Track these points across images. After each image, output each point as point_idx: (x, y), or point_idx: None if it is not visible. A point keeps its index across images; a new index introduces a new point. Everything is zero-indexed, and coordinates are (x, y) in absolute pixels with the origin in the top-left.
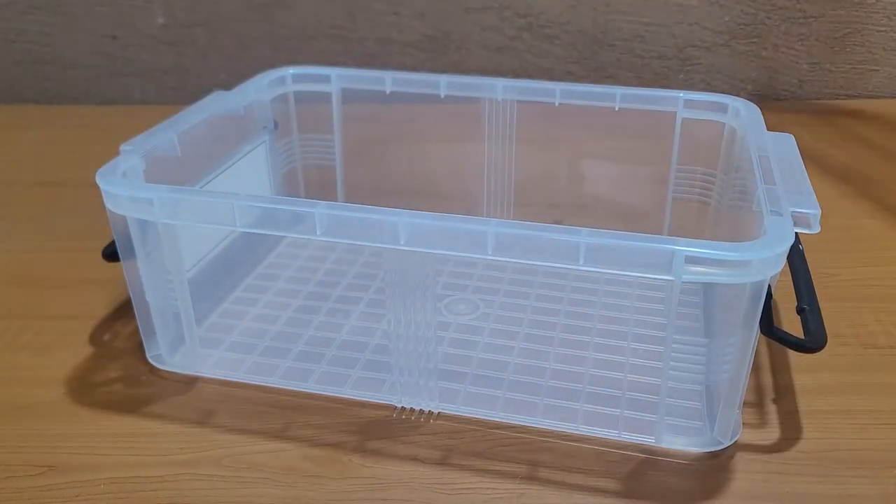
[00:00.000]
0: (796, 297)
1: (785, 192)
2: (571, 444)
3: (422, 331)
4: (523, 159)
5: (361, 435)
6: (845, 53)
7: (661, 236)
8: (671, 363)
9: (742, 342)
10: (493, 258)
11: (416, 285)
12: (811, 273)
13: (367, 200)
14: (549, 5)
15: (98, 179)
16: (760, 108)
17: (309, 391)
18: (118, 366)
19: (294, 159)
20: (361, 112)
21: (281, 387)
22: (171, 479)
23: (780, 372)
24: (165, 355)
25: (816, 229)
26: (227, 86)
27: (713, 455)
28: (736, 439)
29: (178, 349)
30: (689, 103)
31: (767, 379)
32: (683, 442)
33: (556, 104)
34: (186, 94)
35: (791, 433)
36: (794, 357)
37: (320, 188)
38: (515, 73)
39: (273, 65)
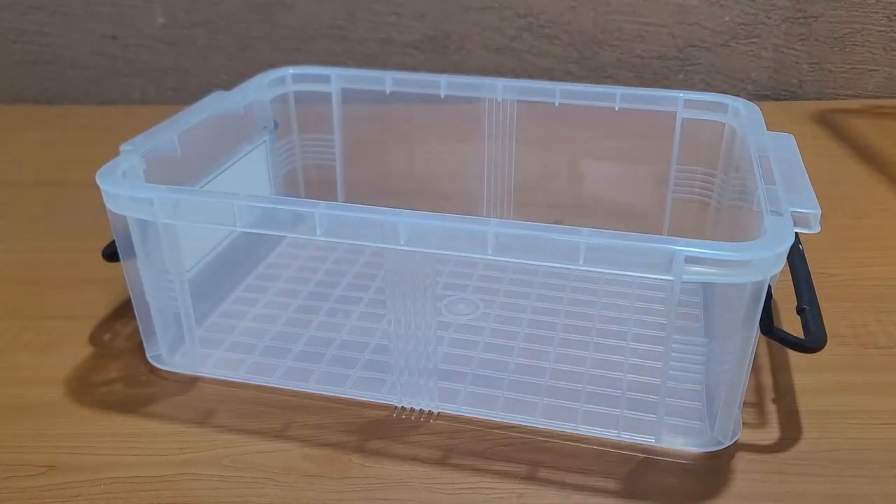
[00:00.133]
0: (796, 297)
1: (785, 192)
2: (571, 444)
3: (422, 331)
4: (523, 159)
5: (361, 435)
6: (845, 53)
7: (661, 236)
8: (671, 363)
9: (742, 342)
10: (493, 258)
11: (416, 285)
12: (811, 273)
13: (367, 200)
14: (549, 5)
15: (98, 179)
16: (760, 108)
17: (309, 391)
18: (118, 366)
19: (294, 159)
20: (361, 112)
21: (281, 387)
22: (171, 479)
23: (780, 372)
24: (165, 355)
25: (816, 229)
26: (227, 86)
27: (713, 455)
28: (736, 439)
29: (178, 349)
30: (689, 103)
31: (767, 379)
32: (683, 442)
33: (556, 104)
34: (186, 94)
35: (791, 433)
36: (794, 357)
37: (320, 188)
38: (515, 73)
39: (273, 65)
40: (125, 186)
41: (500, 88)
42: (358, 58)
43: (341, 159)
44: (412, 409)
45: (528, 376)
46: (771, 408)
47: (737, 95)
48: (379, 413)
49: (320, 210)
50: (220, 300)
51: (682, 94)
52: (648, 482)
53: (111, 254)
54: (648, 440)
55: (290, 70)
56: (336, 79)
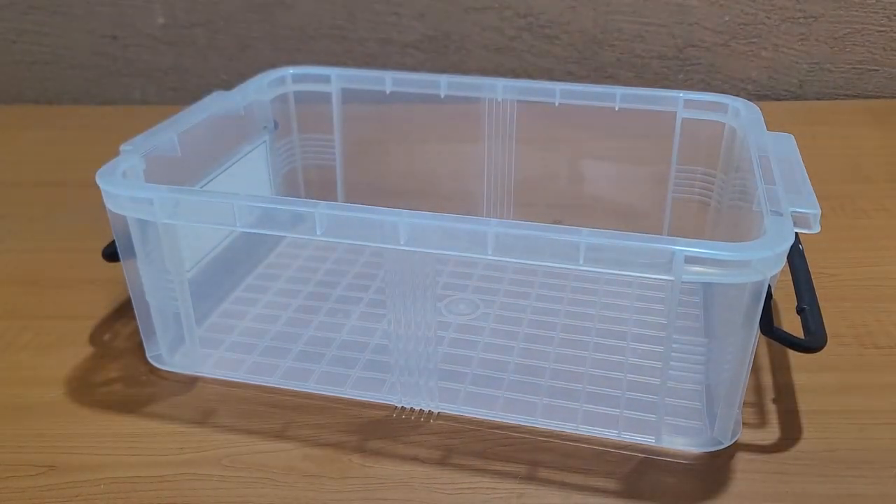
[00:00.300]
0: (796, 297)
1: (785, 192)
2: (571, 444)
3: (422, 331)
4: (523, 159)
5: (361, 435)
6: (845, 53)
7: (661, 236)
8: (671, 363)
9: (742, 342)
10: (493, 258)
11: (416, 285)
12: (811, 273)
13: (367, 200)
14: (549, 5)
15: (98, 179)
16: (760, 108)
17: (309, 391)
18: (118, 366)
19: (294, 159)
20: (361, 112)
21: (281, 387)
22: (171, 479)
23: (780, 372)
24: (165, 355)
25: (816, 229)
26: (227, 86)
27: (713, 455)
28: (736, 439)
29: (178, 349)
30: (689, 103)
31: (767, 379)
32: (683, 442)
33: (556, 104)
34: (186, 94)
35: (791, 433)
36: (794, 357)
37: (320, 188)
38: (515, 73)
39: (273, 65)
40: (125, 186)
41: (500, 88)
42: (358, 58)
43: (341, 159)
44: (412, 409)
45: (527, 376)
46: (771, 408)
47: (737, 95)
48: (379, 413)
49: (320, 210)
50: (220, 300)
51: (682, 94)
52: (648, 482)
53: (111, 254)
54: (648, 440)
55: (290, 70)
56: (336, 79)
